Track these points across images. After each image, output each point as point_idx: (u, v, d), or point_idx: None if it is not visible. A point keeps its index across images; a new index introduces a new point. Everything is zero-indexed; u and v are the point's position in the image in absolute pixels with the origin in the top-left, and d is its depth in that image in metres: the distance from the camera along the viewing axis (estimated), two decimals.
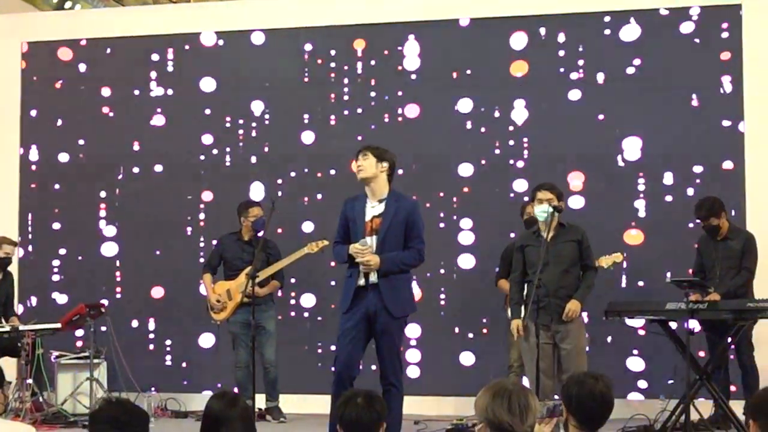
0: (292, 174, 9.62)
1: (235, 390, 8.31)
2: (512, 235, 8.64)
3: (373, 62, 9.55)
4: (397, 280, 6.43)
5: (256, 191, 9.52)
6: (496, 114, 9.28)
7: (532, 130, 9.23)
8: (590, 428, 3.89)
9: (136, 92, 9.96)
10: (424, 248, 6.53)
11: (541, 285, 7.08)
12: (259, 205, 8.83)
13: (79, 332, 9.39)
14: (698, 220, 8.06)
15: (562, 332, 7.27)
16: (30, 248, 10.01)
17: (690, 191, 8.88)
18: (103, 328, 8.90)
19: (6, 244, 9.09)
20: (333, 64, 9.63)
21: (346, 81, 9.60)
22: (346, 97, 9.61)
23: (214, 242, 9.17)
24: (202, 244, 9.59)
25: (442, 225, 9.28)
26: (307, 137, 9.63)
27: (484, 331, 9.08)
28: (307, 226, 9.46)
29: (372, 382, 6.19)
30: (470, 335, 9.16)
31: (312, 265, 9.22)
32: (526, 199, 8.56)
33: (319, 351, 9.34)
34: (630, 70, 9.08)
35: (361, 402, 3.77)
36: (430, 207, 9.10)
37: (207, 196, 9.76)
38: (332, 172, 9.50)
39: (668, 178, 8.98)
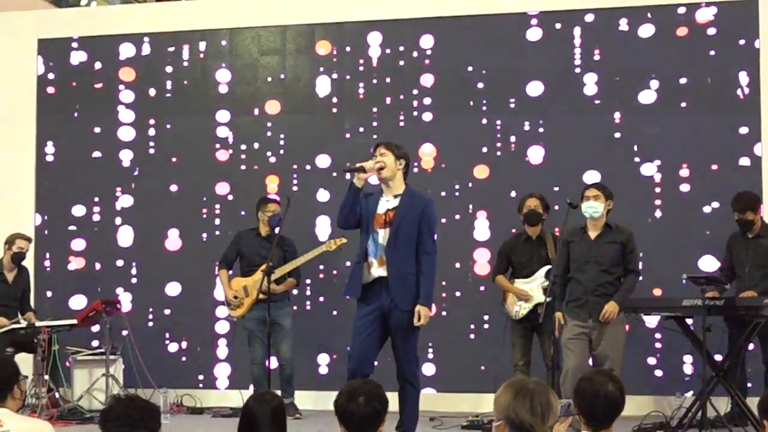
0: (308, 169, 9.61)
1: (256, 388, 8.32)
2: (513, 230, 8.60)
3: (388, 55, 9.56)
4: (406, 273, 6.36)
5: (272, 188, 9.51)
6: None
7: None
8: (595, 426, 3.83)
9: (152, 88, 9.98)
10: (435, 246, 6.46)
11: (581, 283, 7.37)
12: (277, 202, 8.83)
13: (95, 328, 9.43)
14: (734, 213, 7.96)
15: (599, 330, 7.33)
16: (46, 244, 10.01)
17: (706, 188, 8.86)
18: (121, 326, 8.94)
19: (20, 239, 9.13)
20: (349, 60, 9.62)
21: (361, 77, 9.60)
22: (361, 91, 9.61)
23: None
24: (218, 240, 9.57)
25: (457, 217, 9.29)
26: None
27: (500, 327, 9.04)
28: (324, 224, 9.48)
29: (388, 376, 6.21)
30: (486, 329, 9.14)
31: (328, 262, 9.22)
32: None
33: (334, 347, 9.32)
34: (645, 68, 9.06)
35: (362, 401, 3.79)
36: (445, 202, 9.09)
37: (222, 189, 9.75)
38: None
39: (685, 181, 8.96)
